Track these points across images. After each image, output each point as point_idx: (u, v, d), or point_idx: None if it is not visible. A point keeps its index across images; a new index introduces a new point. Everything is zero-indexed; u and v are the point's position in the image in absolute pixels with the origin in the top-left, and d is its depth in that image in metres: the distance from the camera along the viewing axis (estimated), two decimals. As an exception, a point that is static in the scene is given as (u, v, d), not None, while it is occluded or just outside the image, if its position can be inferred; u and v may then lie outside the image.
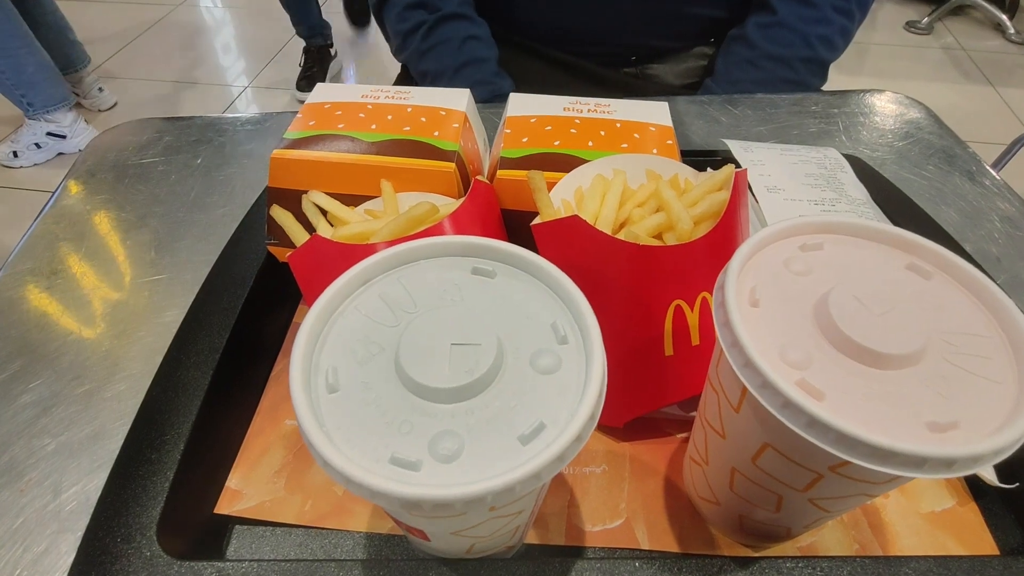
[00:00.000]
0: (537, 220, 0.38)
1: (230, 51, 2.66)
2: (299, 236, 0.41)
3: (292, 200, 0.44)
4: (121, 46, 2.57)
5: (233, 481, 0.38)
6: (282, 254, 0.45)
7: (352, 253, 0.36)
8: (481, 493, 0.20)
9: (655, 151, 0.45)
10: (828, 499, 0.28)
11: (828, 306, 0.25)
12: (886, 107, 0.70)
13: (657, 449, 0.40)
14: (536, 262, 0.27)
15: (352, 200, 0.43)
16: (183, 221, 0.57)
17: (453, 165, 0.43)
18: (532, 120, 0.47)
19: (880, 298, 0.26)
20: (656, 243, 0.37)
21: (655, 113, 0.49)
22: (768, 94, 0.71)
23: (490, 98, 0.80)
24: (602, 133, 0.46)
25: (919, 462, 0.21)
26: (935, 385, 0.24)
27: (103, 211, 0.58)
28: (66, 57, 2.13)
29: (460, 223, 0.37)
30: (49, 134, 2.08)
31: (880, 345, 0.24)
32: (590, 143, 0.45)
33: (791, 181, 0.54)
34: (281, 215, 0.43)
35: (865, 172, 0.56)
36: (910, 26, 2.65)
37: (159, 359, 0.40)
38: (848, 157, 0.58)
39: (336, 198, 0.43)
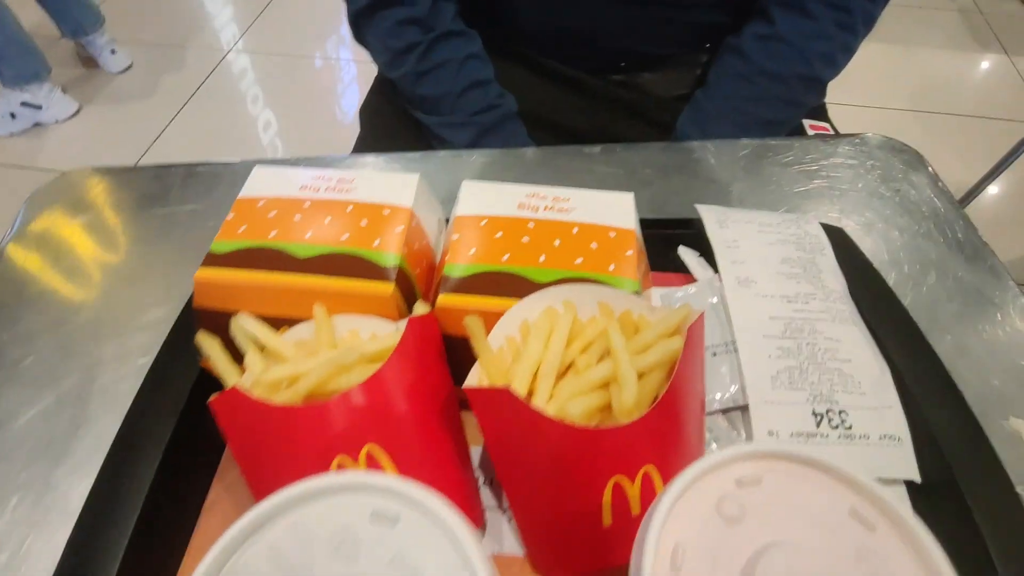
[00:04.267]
0: (470, 380, 0.35)
1: (215, 5, 2.54)
2: (227, 372, 0.39)
3: (221, 321, 0.41)
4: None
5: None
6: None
7: (270, 417, 0.34)
8: None
9: (612, 267, 0.41)
10: None
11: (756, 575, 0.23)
12: (877, 160, 0.65)
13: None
14: (439, 513, 0.25)
15: (287, 322, 0.41)
16: (118, 299, 0.54)
17: (391, 287, 0.40)
18: (482, 223, 0.44)
19: (815, 563, 0.24)
20: (592, 421, 0.34)
21: (617, 209, 0.45)
22: (753, 139, 0.67)
23: (499, 120, 0.76)
24: (556, 243, 0.42)
25: None
26: None
27: (40, 280, 0.55)
28: (75, 22, 2.06)
29: (386, 384, 0.34)
30: (24, 104, 2.01)
31: (807, 634, 0.22)
32: (541, 258, 0.42)
33: (765, 270, 0.50)
34: (209, 345, 0.40)
35: (846, 251, 0.53)
36: (928, -14, 2.51)
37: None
38: (830, 230, 0.54)
39: (268, 320, 0.40)
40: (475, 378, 0.36)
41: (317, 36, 2.37)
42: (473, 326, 0.36)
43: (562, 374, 0.37)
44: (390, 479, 0.25)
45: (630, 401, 0.33)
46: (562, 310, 0.39)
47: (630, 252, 0.43)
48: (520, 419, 0.33)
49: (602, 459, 0.33)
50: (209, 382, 0.43)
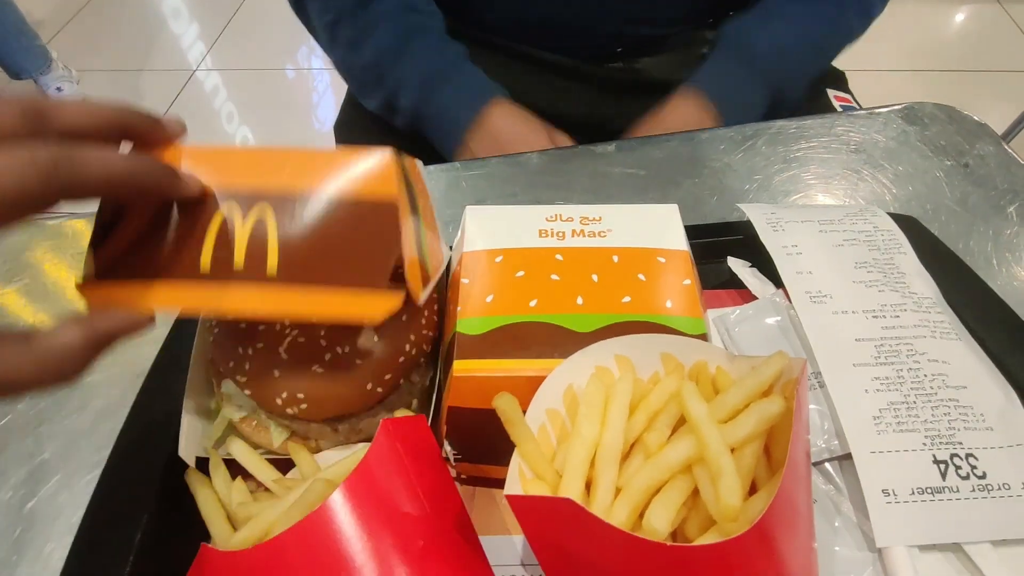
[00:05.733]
0: (511, 481, 0.26)
1: (169, 29, 2.43)
2: (213, 520, 0.31)
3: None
4: (54, 32, 2.34)
5: None
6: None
7: (249, 570, 0.25)
8: None
9: (669, 304, 0.33)
10: None
11: None
12: (932, 132, 0.57)
13: None
14: None
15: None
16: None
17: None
18: (497, 260, 0.35)
19: None
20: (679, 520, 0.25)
21: (661, 226, 0.36)
22: (787, 120, 0.58)
23: (452, 64, 0.65)
24: (594, 278, 0.34)
25: None
26: None
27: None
28: (18, 65, 1.97)
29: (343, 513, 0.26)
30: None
31: None
32: (579, 299, 0.33)
33: (838, 279, 0.42)
34: (198, 486, 0.32)
35: (926, 245, 0.44)
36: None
37: None
38: (900, 221, 0.46)
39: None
40: (515, 474, 0.27)
41: (285, 48, 2.27)
42: (507, 408, 0.27)
43: (626, 454, 0.29)
44: None
45: (732, 499, 0.24)
46: (616, 370, 0.30)
47: (687, 281, 0.34)
48: (588, 536, 0.24)
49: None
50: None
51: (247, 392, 0.33)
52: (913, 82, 2.00)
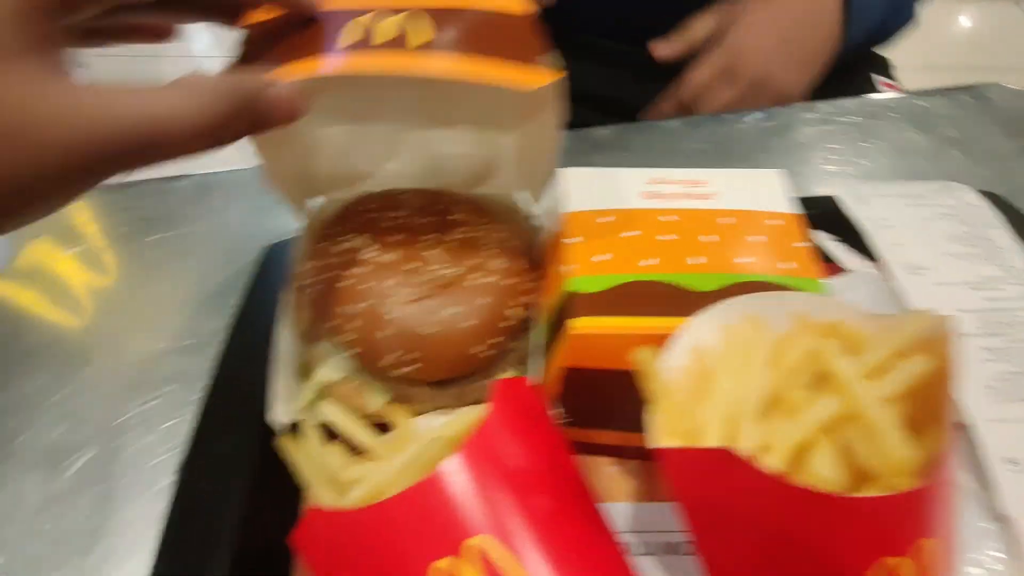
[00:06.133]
0: (655, 435, 0.25)
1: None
2: (322, 490, 0.29)
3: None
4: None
5: None
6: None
7: (363, 529, 0.24)
8: None
9: (789, 265, 0.32)
10: None
11: None
12: (1002, 112, 0.56)
13: None
14: None
15: None
16: (128, 349, 0.44)
17: None
18: (605, 220, 0.34)
19: None
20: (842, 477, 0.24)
21: (768, 191, 0.35)
22: (853, 99, 0.57)
23: None
24: (709, 239, 0.33)
25: None
26: None
27: (32, 330, 0.45)
28: None
29: (476, 460, 0.24)
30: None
31: None
32: (696, 259, 0.32)
33: (934, 251, 0.41)
34: (294, 450, 0.30)
35: (1017, 221, 0.44)
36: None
37: None
38: (989, 198, 0.45)
39: None
40: (655, 430, 0.26)
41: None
42: (646, 362, 0.26)
43: (767, 412, 0.28)
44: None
45: (903, 450, 0.23)
46: (747, 329, 0.29)
47: (804, 243, 0.33)
48: (747, 489, 0.23)
49: (864, 532, 0.23)
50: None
51: (351, 353, 0.32)
52: (932, 79, 2.00)
